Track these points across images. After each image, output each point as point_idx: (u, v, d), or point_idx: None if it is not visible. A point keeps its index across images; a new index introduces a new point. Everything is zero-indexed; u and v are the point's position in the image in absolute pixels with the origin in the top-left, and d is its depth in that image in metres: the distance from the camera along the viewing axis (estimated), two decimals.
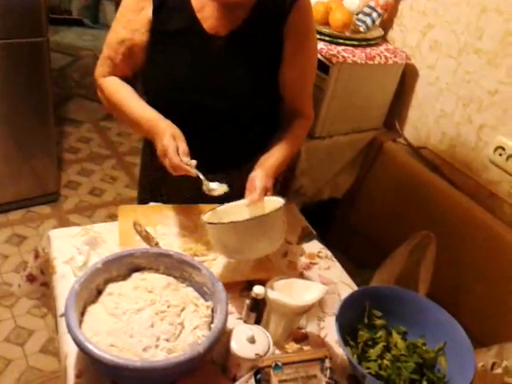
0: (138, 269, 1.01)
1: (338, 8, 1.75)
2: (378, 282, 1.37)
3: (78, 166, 2.90)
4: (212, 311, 0.95)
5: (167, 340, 0.87)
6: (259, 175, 1.07)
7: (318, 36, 1.66)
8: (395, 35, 1.91)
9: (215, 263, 1.12)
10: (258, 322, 1.00)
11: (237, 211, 1.06)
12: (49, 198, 2.56)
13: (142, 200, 1.43)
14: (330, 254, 1.29)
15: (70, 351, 0.91)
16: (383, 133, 1.91)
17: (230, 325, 0.93)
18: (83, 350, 0.80)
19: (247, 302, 1.00)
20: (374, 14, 1.84)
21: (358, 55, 1.68)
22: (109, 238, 1.16)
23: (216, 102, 1.14)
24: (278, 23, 1.11)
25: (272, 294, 0.95)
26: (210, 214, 1.06)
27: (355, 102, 1.77)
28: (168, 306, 0.92)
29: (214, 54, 1.11)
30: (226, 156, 1.24)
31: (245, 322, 1.01)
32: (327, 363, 0.87)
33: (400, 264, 1.38)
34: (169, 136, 1.03)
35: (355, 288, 1.19)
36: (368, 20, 1.82)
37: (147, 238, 1.15)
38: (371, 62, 1.70)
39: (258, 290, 0.97)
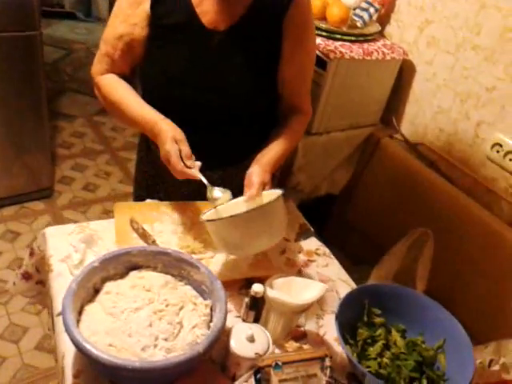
0: (136, 267, 0.99)
1: (335, 3, 1.74)
2: (375, 278, 1.37)
3: (71, 161, 2.87)
4: (211, 310, 0.94)
5: (166, 339, 0.86)
6: (256, 171, 1.06)
7: (316, 31, 1.65)
8: (392, 31, 1.90)
9: (213, 261, 1.12)
10: (256, 320, 1.00)
11: (236, 208, 1.05)
12: (42, 193, 2.54)
13: (138, 196, 1.41)
14: (327, 251, 1.28)
15: (68, 350, 0.90)
16: (380, 129, 1.90)
17: (228, 323, 0.92)
18: (81, 351, 0.79)
19: (246, 300, 0.99)
20: (372, 9, 1.83)
21: (356, 51, 1.67)
22: (105, 235, 1.15)
23: (214, 99, 1.13)
24: (277, 18, 1.10)
25: (271, 293, 0.94)
26: (210, 213, 1.04)
27: (352, 97, 1.77)
28: (166, 305, 0.91)
29: (212, 49, 1.10)
30: (224, 154, 1.23)
31: (243, 320, 1.01)
32: (327, 362, 0.87)
33: (398, 261, 1.37)
34: (170, 140, 1.01)
35: (353, 285, 1.19)
36: (365, 15, 1.81)
37: (144, 235, 1.13)
38: (369, 58, 1.69)
39: (257, 288, 0.96)
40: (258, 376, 0.84)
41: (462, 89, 1.66)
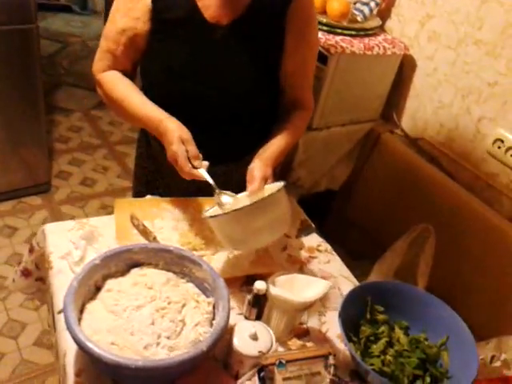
0: (137, 264, 0.99)
1: None
2: (376, 274, 1.37)
3: (68, 155, 2.85)
4: (213, 307, 0.93)
5: (168, 337, 0.86)
6: (258, 165, 1.05)
7: None
8: (393, 25, 1.89)
9: (215, 258, 1.11)
10: (258, 317, 0.99)
11: (238, 204, 1.04)
12: (40, 188, 2.52)
13: (138, 192, 1.40)
14: (329, 247, 1.28)
15: (69, 349, 0.89)
16: (380, 124, 1.90)
17: (231, 321, 0.91)
18: (83, 349, 0.78)
19: (248, 297, 0.98)
20: (372, 4, 1.81)
21: (357, 45, 1.66)
22: (105, 231, 1.14)
23: (215, 94, 1.11)
24: (279, 12, 1.09)
25: (274, 290, 0.94)
26: (212, 211, 1.03)
27: (353, 92, 1.76)
28: (169, 303, 0.90)
29: (215, 44, 1.08)
30: (225, 151, 1.21)
31: (246, 317, 1.00)
32: (331, 360, 0.86)
33: (399, 257, 1.37)
34: (177, 140, 0.99)
35: (355, 282, 1.19)
36: (366, 9, 1.80)
37: (145, 232, 1.12)
38: (369, 53, 1.68)
39: (259, 285, 0.95)
40: (262, 374, 0.84)
41: (463, 84, 1.66)
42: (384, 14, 1.89)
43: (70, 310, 0.82)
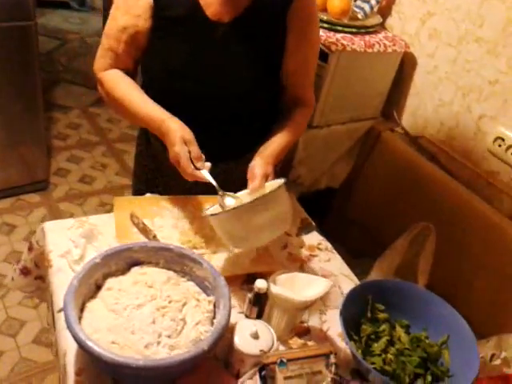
0: (137, 263, 0.98)
1: None
2: (377, 272, 1.37)
3: (67, 153, 2.84)
4: (213, 306, 0.93)
5: (169, 336, 0.85)
6: (259, 163, 1.05)
7: None
8: (394, 23, 1.88)
9: (215, 256, 1.10)
10: (259, 316, 0.99)
11: (239, 201, 1.04)
12: (38, 185, 2.51)
13: (138, 190, 1.40)
14: (329, 245, 1.27)
15: (69, 348, 0.88)
16: (381, 122, 1.89)
17: (231, 319, 0.91)
18: (84, 348, 0.78)
19: (249, 295, 0.98)
20: (373, 1, 1.81)
21: (357, 43, 1.65)
22: (105, 230, 1.13)
23: (216, 94, 1.11)
24: (281, 10, 1.08)
25: (275, 289, 0.93)
26: (213, 209, 1.03)
27: (353, 90, 1.75)
28: (169, 302, 0.90)
29: (216, 42, 1.08)
30: (225, 150, 1.20)
31: (246, 316, 1.00)
32: (332, 359, 0.86)
33: (399, 255, 1.37)
34: (180, 141, 0.98)
35: (356, 280, 1.18)
36: (366, 7, 1.79)
37: (145, 230, 1.12)
38: (370, 50, 1.67)
39: (260, 284, 0.95)
40: (263, 373, 0.83)
41: (464, 82, 1.65)
42: (385, 11, 1.88)
43: (70, 308, 0.82)
